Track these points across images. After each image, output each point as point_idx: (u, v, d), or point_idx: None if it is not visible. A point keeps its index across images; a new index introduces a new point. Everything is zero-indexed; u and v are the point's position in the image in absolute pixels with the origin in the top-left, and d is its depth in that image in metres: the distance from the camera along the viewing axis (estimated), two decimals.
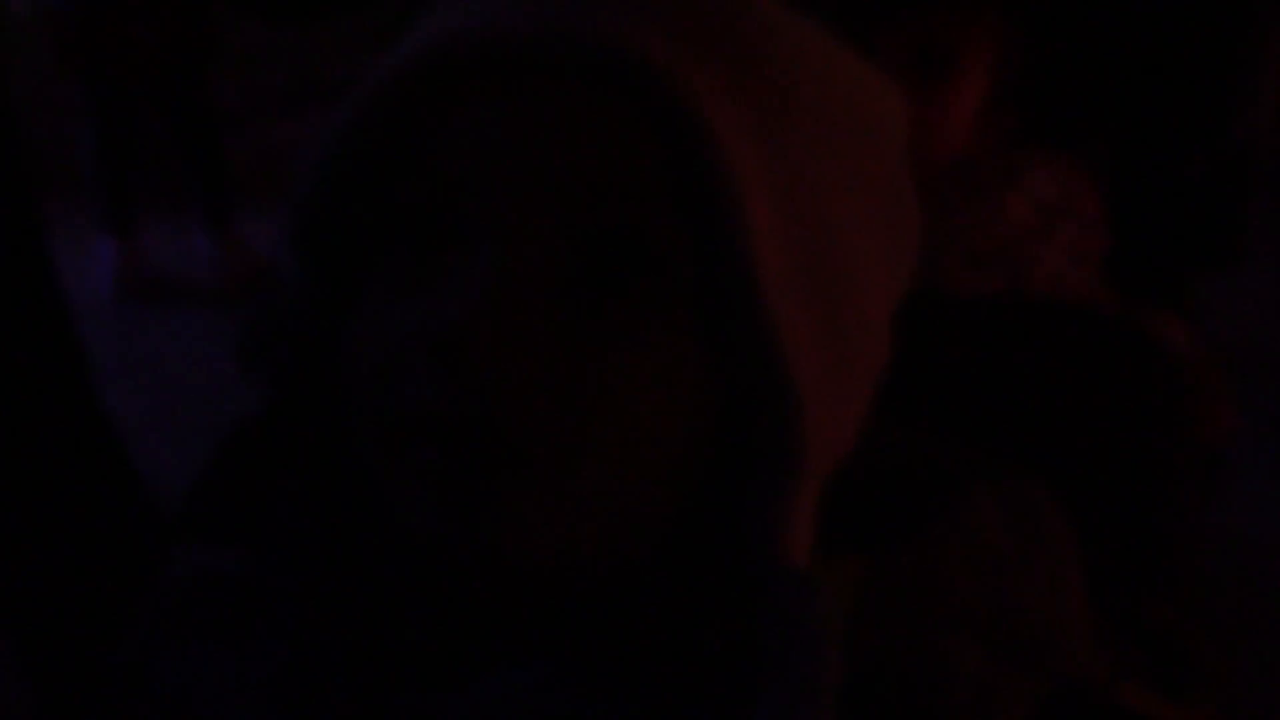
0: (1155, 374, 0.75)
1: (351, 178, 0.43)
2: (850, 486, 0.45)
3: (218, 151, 3.05)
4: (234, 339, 0.50)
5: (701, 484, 0.43)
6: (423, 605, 0.45)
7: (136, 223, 3.04)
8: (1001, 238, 0.87)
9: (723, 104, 0.40)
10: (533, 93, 0.40)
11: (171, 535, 0.55)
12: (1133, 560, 0.62)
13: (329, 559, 0.46)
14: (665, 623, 0.43)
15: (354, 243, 0.45)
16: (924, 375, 0.52)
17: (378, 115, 0.42)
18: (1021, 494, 0.50)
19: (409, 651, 0.44)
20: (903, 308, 0.48)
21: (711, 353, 0.41)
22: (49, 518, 1.28)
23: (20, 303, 1.29)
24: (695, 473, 0.43)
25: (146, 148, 3.03)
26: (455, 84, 0.41)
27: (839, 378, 0.44)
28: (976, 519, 0.47)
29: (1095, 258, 0.92)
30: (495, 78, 0.40)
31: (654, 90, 0.39)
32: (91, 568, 1.28)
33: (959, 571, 0.45)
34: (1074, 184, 0.92)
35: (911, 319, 0.49)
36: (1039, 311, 0.74)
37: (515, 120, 0.40)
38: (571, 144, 0.40)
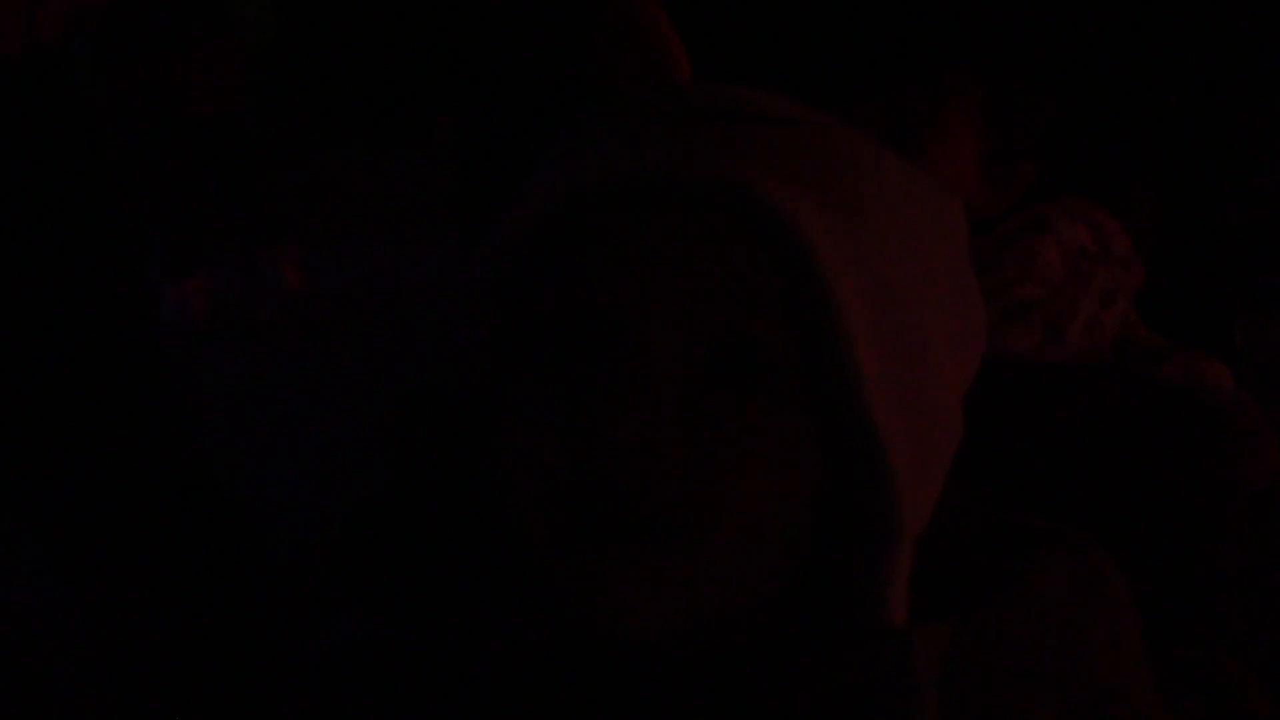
0: (1197, 423, 0.80)
1: (504, 287, 0.51)
2: (930, 553, 0.52)
3: (267, 183, 3.13)
4: (382, 418, 0.58)
5: (809, 554, 0.49)
6: (561, 672, 0.50)
7: (198, 259, 3.13)
8: (1036, 288, 0.93)
9: (823, 229, 0.46)
10: (666, 223, 0.47)
11: (318, 600, 0.62)
12: (1185, 608, 0.68)
13: (476, 627, 0.52)
14: (779, 681, 0.49)
15: (501, 343, 0.52)
16: (978, 437, 0.59)
17: (527, 240, 0.50)
18: (1084, 556, 0.56)
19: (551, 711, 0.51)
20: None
21: (821, 440, 0.48)
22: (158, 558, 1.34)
23: (121, 340, 1.32)
24: (805, 545, 0.49)
25: (203, 183, 3.11)
26: (598, 212, 0.48)
27: (926, 457, 0.50)
28: (1047, 584, 0.53)
29: (1128, 295, 0.98)
30: (634, 208, 0.47)
31: (767, 221, 0.46)
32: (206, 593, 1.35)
33: (1034, 636, 0.51)
34: (1104, 227, 0.97)
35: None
36: (1079, 373, 0.81)
37: (652, 247, 0.47)
38: (698, 268, 0.46)
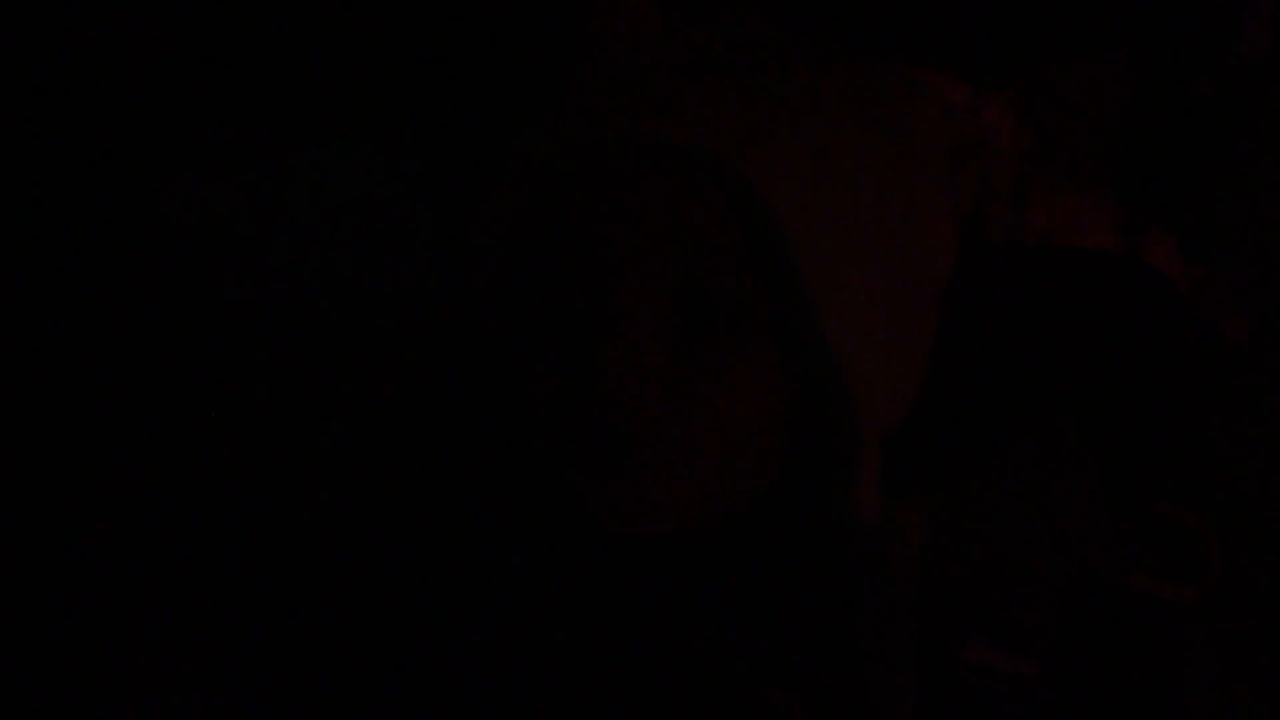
0: (1153, 298, 0.84)
1: (504, 221, 0.57)
2: (918, 432, 0.57)
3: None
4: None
5: (788, 462, 0.56)
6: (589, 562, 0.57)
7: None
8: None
9: (779, 178, 0.51)
10: (639, 183, 0.52)
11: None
12: (1148, 466, 0.73)
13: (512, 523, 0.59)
14: (759, 568, 0.56)
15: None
16: (966, 320, 0.63)
17: (527, 185, 0.55)
18: (1051, 427, 0.61)
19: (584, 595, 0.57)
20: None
21: (786, 367, 0.54)
22: None
23: None
24: (780, 455, 0.55)
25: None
26: (582, 170, 0.54)
27: (891, 362, 0.55)
28: (1016, 457, 0.58)
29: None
30: (612, 167, 0.53)
31: (727, 178, 0.51)
32: None
33: (1007, 500, 0.57)
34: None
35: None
36: (1042, 257, 0.84)
37: (626, 206, 0.52)
38: (669, 225, 0.52)
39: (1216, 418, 0.78)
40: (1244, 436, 0.88)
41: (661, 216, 0.52)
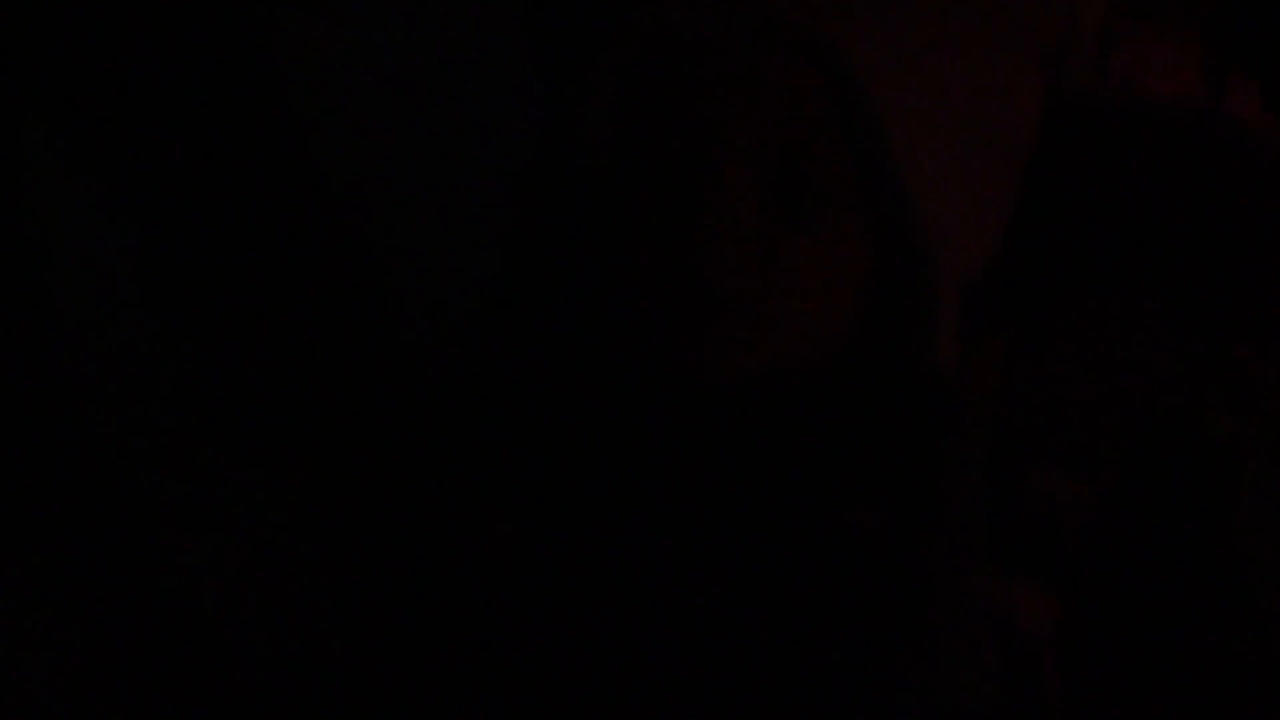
0: (1234, 148, 0.84)
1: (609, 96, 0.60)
2: (997, 283, 0.60)
3: None
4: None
5: (872, 315, 0.59)
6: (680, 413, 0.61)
7: None
8: None
9: (870, 54, 0.55)
10: (739, 60, 0.56)
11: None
12: (1225, 310, 0.75)
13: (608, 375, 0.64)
14: (843, 414, 0.60)
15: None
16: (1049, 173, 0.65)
17: (631, 57, 0.59)
18: (1122, 283, 0.64)
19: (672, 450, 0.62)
20: None
21: (872, 228, 0.57)
22: None
23: None
24: (866, 308, 0.59)
25: None
26: (684, 49, 0.57)
27: (973, 223, 0.59)
28: (1096, 300, 0.62)
29: None
30: (708, 44, 0.56)
31: (821, 55, 0.55)
32: None
33: (1082, 339, 0.60)
34: None
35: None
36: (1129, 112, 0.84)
37: (728, 82, 0.56)
38: (766, 99, 0.55)
39: None
40: None
41: (757, 88, 0.55)
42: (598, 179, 0.63)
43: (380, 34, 0.89)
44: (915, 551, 0.57)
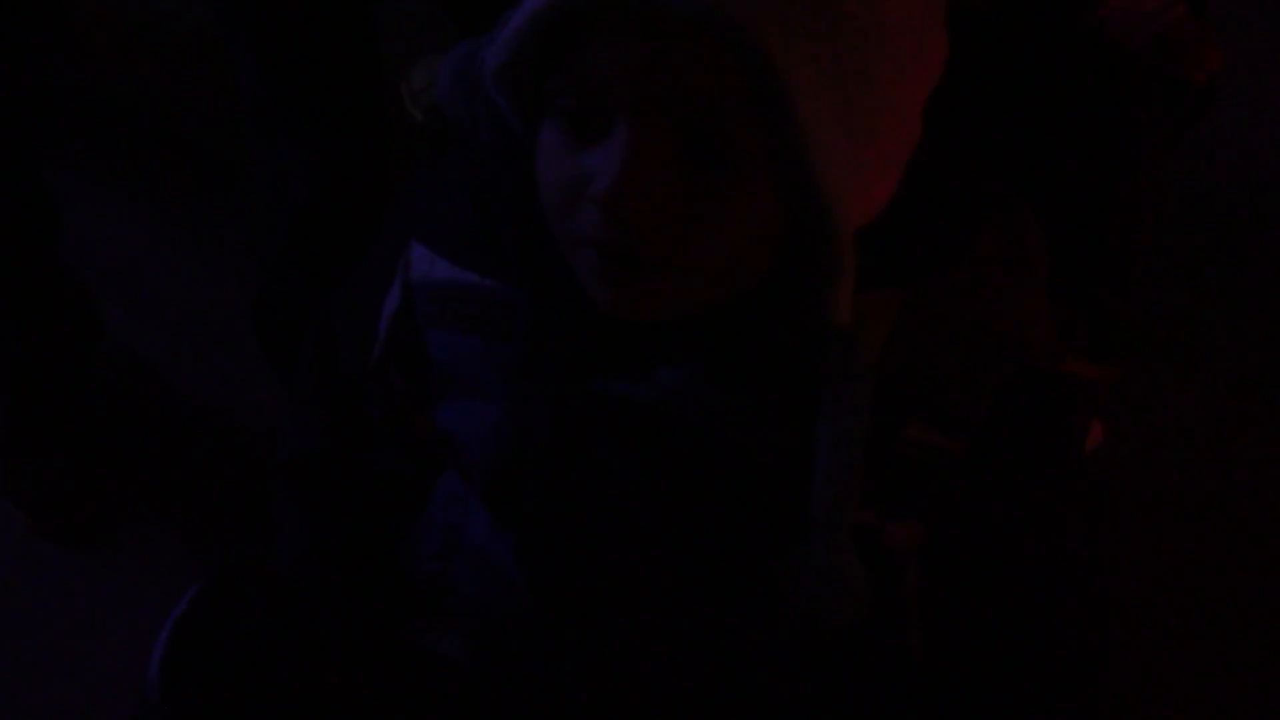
0: (1101, 74, 0.89)
1: (522, 65, 0.64)
2: (888, 225, 0.66)
3: None
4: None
5: (777, 268, 0.65)
6: (605, 326, 0.67)
7: None
8: None
9: (782, 35, 0.57)
10: (652, 33, 0.59)
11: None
12: (1085, 248, 0.82)
13: (542, 286, 0.69)
14: (760, 351, 0.67)
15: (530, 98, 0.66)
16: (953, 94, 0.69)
17: (535, 29, 0.61)
18: (1011, 219, 0.69)
19: (598, 354, 0.68)
20: None
21: (779, 194, 0.61)
22: None
23: None
24: (771, 262, 0.65)
25: None
26: (598, 19, 0.60)
27: (875, 177, 0.64)
28: (978, 248, 0.67)
29: None
30: (626, 19, 0.59)
31: (734, 34, 0.57)
32: None
33: (959, 296, 0.66)
34: None
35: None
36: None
37: (640, 52, 0.59)
38: (678, 70, 0.59)
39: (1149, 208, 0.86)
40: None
41: (673, 63, 0.59)
42: (520, 122, 0.67)
43: None
44: (804, 485, 0.65)
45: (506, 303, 0.71)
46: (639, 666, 0.74)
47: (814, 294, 0.64)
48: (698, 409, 0.67)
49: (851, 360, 0.64)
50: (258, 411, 1.45)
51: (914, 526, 0.70)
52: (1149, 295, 0.90)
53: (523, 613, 0.75)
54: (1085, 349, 0.76)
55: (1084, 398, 0.75)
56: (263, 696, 0.72)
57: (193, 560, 1.33)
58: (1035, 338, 0.70)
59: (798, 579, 0.67)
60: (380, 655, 0.78)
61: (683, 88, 0.59)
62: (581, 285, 0.65)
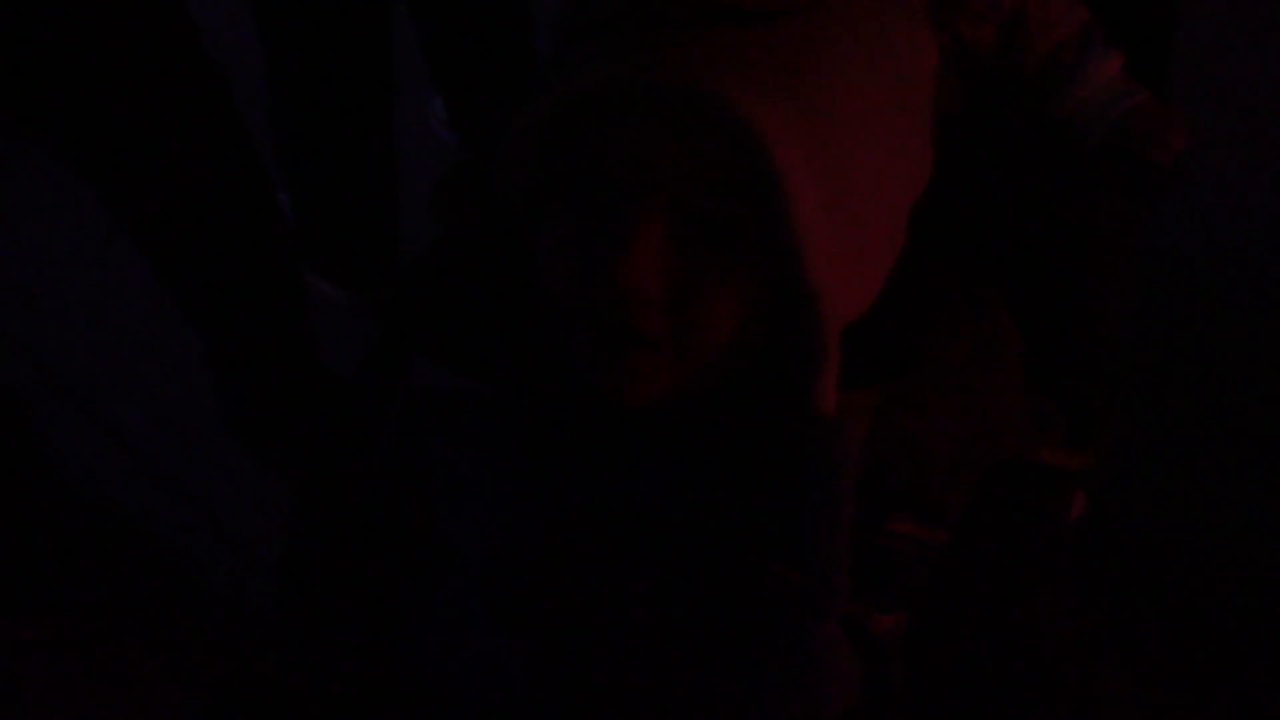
0: (1058, 161, 0.92)
1: (535, 143, 0.66)
2: (870, 326, 0.68)
3: None
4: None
5: (766, 356, 0.67)
6: (601, 425, 0.70)
7: None
8: None
9: (772, 120, 0.60)
10: (652, 120, 0.61)
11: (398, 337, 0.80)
12: (1059, 340, 0.84)
13: (540, 386, 0.71)
14: (747, 441, 0.68)
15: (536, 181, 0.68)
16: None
17: (550, 116, 0.64)
18: (988, 317, 0.71)
19: (594, 454, 0.70)
20: None
21: (770, 280, 0.64)
22: None
23: None
24: (759, 349, 0.66)
25: None
26: (602, 107, 0.62)
27: (860, 273, 0.66)
28: (954, 349, 0.69)
29: None
30: (630, 106, 0.62)
31: (727, 118, 0.60)
32: None
33: (939, 394, 0.68)
34: None
35: None
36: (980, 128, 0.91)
37: (641, 133, 0.62)
38: (676, 157, 0.61)
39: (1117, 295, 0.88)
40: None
41: (669, 147, 0.61)
42: (520, 209, 0.69)
43: None
44: (791, 577, 0.67)
45: (504, 410, 0.73)
46: None
47: (799, 384, 0.66)
48: (688, 508, 0.69)
49: (834, 450, 0.65)
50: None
51: (900, 616, 0.71)
52: (1121, 380, 0.92)
53: (523, 711, 0.76)
54: (1062, 438, 0.78)
55: (1062, 486, 0.77)
56: None
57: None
58: (1013, 430, 0.72)
59: (790, 668, 0.68)
60: None
61: (681, 168, 0.61)
62: (578, 375, 0.67)
